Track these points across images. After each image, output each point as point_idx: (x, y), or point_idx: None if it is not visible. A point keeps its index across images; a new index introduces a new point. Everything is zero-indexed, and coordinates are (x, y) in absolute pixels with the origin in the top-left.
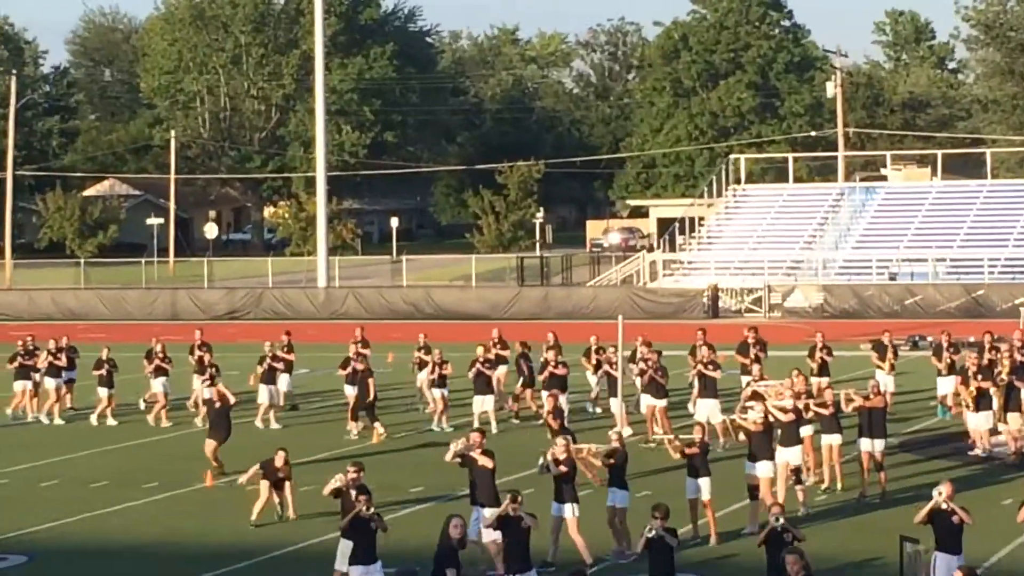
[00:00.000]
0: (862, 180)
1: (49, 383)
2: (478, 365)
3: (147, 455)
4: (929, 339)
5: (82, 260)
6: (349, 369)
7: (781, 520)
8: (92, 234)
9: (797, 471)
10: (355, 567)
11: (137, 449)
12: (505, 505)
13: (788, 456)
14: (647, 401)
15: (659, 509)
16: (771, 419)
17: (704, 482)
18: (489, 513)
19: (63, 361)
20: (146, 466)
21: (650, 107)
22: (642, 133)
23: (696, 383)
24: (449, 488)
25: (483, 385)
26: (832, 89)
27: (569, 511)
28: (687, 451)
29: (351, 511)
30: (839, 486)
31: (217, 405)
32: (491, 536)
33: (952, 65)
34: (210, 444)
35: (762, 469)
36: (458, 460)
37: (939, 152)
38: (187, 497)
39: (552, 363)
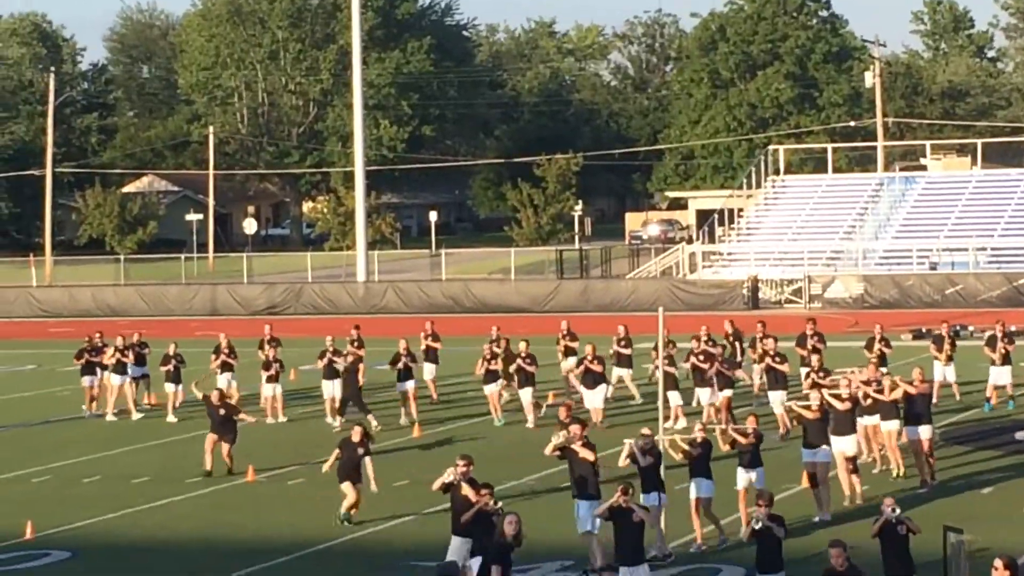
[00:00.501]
0: (902, 170)
1: (114, 380)
2: (519, 360)
3: (189, 451)
4: (970, 329)
5: (122, 256)
6: (401, 364)
7: (897, 511)
8: (132, 230)
9: (854, 460)
10: (477, 559)
11: (179, 445)
12: (616, 497)
13: (843, 446)
14: (720, 393)
15: (763, 496)
16: (827, 407)
17: (756, 473)
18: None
19: (130, 358)
20: (188, 462)
21: (688, 99)
22: (680, 125)
23: (765, 376)
24: (493, 481)
25: (523, 379)
26: (871, 79)
27: (658, 500)
28: (743, 441)
29: (464, 505)
30: (895, 472)
31: (221, 412)
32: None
33: (991, 53)
34: (224, 447)
35: (822, 455)
36: (558, 453)
37: (979, 141)
38: (229, 492)
39: (589, 357)
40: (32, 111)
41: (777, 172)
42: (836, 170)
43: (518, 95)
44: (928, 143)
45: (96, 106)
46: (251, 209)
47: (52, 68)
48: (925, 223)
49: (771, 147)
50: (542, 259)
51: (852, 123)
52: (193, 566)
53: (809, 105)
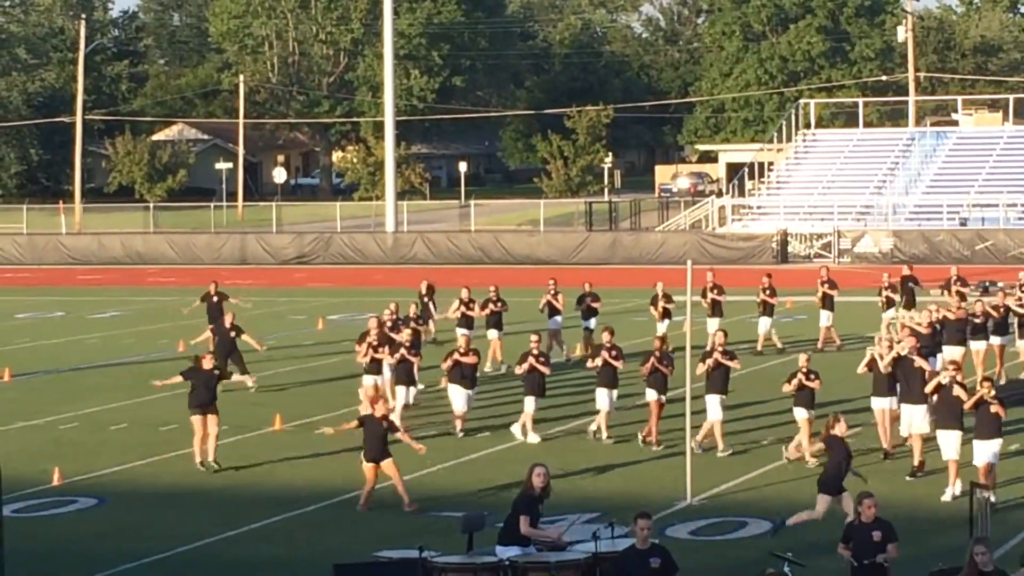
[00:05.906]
0: (933, 125)
1: (459, 332)
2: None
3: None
4: (999, 285)
5: (151, 204)
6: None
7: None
8: (161, 179)
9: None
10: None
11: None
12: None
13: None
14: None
15: None
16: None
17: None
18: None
19: (475, 311)
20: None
21: (719, 51)
22: (711, 78)
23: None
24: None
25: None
26: (903, 33)
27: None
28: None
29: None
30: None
31: None
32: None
33: None
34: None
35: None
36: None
37: (1011, 97)
38: (255, 441)
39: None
40: (63, 58)
41: (808, 126)
42: (867, 124)
43: (549, 46)
44: (960, 98)
45: (127, 53)
46: (281, 158)
47: (83, 15)
48: (956, 179)
49: (802, 101)
50: (571, 211)
51: (884, 77)
52: (219, 513)
53: (841, 59)
